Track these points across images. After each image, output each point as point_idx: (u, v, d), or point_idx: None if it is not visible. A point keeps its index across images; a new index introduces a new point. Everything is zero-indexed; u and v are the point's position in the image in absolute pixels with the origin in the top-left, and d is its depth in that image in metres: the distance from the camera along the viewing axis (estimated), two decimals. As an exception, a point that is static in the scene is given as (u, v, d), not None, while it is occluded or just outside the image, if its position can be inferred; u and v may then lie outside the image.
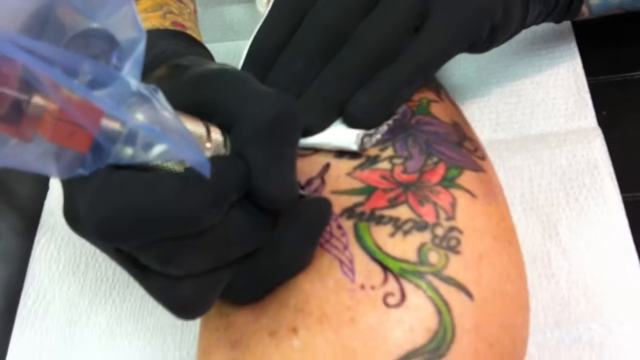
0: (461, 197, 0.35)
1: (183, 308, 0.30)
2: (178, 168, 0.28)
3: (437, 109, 0.40)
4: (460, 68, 0.55)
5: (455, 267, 0.33)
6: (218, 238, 0.29)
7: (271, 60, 0.38)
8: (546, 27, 0.53)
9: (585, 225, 0.46)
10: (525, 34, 0.54)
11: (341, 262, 0.33)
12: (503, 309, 0.33)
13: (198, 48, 0.45)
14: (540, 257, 0.46)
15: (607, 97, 0.52)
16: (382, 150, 0.37)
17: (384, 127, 0.38)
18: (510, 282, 0.35)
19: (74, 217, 0.30)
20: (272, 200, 0.30)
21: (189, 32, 0.46)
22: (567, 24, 0.55)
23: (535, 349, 0.43)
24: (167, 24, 0.46)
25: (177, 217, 0.26)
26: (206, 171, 0.26)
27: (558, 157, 0.49)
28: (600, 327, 0.43)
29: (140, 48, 0.25)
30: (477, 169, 0.38)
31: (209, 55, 0.45)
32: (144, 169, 0.27)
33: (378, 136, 0.37)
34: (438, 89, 0.42)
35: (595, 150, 0.49)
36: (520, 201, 0.48)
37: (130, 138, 0.25)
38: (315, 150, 0.37)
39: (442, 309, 0.32)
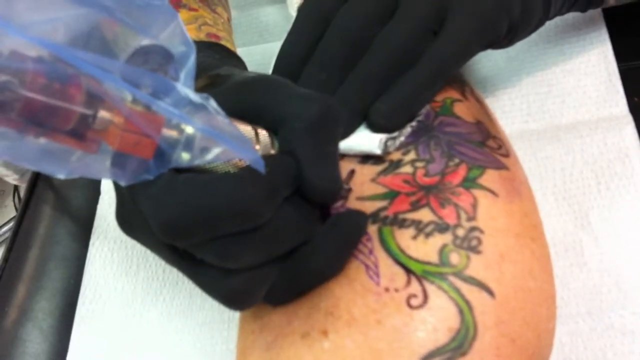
0: (482, 197, 0.36)
1: (234, 299, 0.32)
2: (231, 169, 0.30)
3: (460, 109, 0.41)
4: (491, 59, 0.56)
5: (476, 267, 0.34)
6: (272, 232, 0.31)
7: (297, 72, 0.40)
8: (576, 14, 0.53)
9: (617, 214, 0.47)
10: (555, 22, 0.54)
11: (367, 266, 0.35)
12: (526, 305, 0.35)
13: (232, 59, 0.47)
14: (572, 246, 0.46)
15: (638, 83, 0.52)
16: (405, 154, 0.38)
17: (407, 130, 0.39)
18: (533, 278, 0.36)
19: (126, 219, 0.32)
20: (321, 193, 0.33)
21: (223, 42, 0.48)
22: (597, 10, 0.55)
23: (568, 338, 0.44)
24: (202, 36, 0.48)
25: (236, 211, 0.29)
26: (261, 168, 0.28)
27: (589, 146, 0.50)
28: (632, 315, 0.43)
29: (192, 60, 0.28)
30: (500, 167, 0.39)
31: (242, 65, 0.47)
32: (202, 171, 0.30)
33: (402, 139, 0.39)
34: (463, 87, 0.43)
35: (626, 138, 0.49)
36: (552, 191, 0.49)
37: (188, 144, 0.28)
38: (341, 156, 0.39)
39: (464, 308, 0.33)
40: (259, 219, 0.30)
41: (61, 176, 0.26)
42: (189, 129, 0.27)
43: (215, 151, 0.28)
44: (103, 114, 0.25)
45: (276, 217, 0.31)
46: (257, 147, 0.32)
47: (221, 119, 0.28)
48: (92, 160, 0.26)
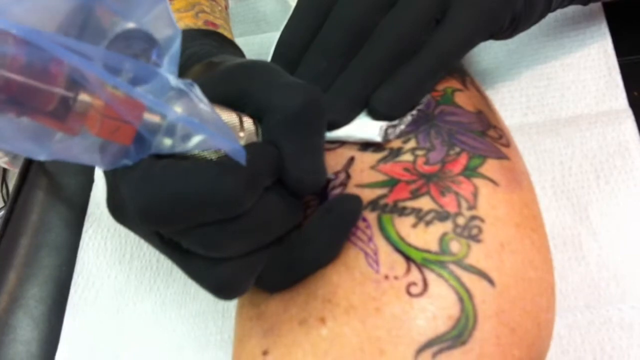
0: (483, 186, 0.36)
1: (223, 289, 0.32)
2: (213, 156, 0.29)
3: (461, 98, 0.41)
4: (491, 52, 0.55)
5: (477, 256, 0.34)
6: (255, 221, 0.30)
7: (297, 59, 0.40)
8: (576, 8, 0.53)
9: (616, 208, 0.47)
10: (555, 15, 0.54)
11: (366, 253, 0.34)
12: (526, 295, 0.34)
13: (229, 47, 0.46)
14: (571, 240, 0.46)
15: (638, 78, 0.51)
16: (405, 142, 0.38)
17: (407, 118, 0.39)
18: (533, 268, 0.35)
19: (117, 207, 0.32)
20: (303, 186, 0.32)
21: (221, 30, 0.48)
22: (597, 4, 0.55)
23: (566, 331, 0.43)
24: (199, 24, 0.47)
25: (215, 199, 0.28)
26: (242, 159, 0.28)
27: (589, 140, 0.49)
28: (630, 309, 0.43)
29: (176, 45, 0.27)
30: (501, 156, 0.38)
31: (240, 53, 0.47)
32: (183, 158, 0.29)
33: (402, 127, 0.38)
34: (463, 77, 0.43)
35: (626, 132, 0.49)
36: (551, 184, 0.49)
37: (170, 130, 0.27)
38: (341, 143, 0.39)
39: (464, 296, 0.33)
40: (239, 208, 0.29)
41: (42, 158, 0.26)
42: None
43: (196, 139, 0.28)
44: (83, 97, 0.24)
45: (258, 206, 0.30)
46: (242, 134, 0.31)
47: (204, 107, 0.28)
48: (74, 143, 0.26)
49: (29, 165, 0.63)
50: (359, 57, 0.38)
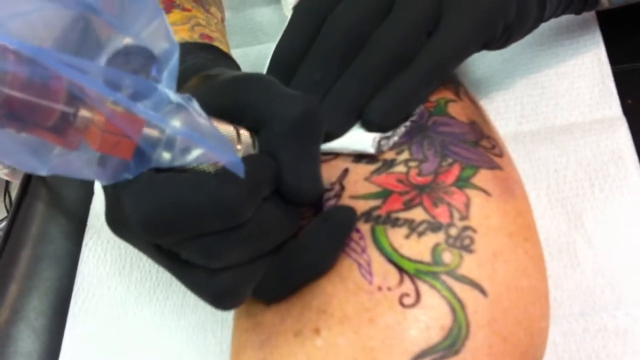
0: (476, 197, 0.36)
1: (222, 298, 0.32)
2: (211, 169, 0.30)
3: (454, 109, 0.41)
4: (485, 62, 0.56)
5: (469, 266, 0.34)
6: (253, 230, 0.31)
7: (293, 69, 0.40)
8: (570, 17, 0.53)
9: (611, 215, 0.47)
10: (549, 24, 0.54)
11: (359, 264, 0.35)
12: (518, 304, 0.35)
13: (225, 60, 0.47)
14: (566, 247, 0.46)
15: (632, 85, 0.52)
16: (398, 153, 0.38)
17: (401, 129, 0.39)
18: (526, 276, 0.36)
19: (116, 220, 0.32)
20: (300, 195, 0.33)
21: (216, 43, 0.48)
22: (590, 13, 0.55)
23: (561, 338, 0.44)
24: (195, 37, 0.48)
25: (216, 208, 0.29)
26: (240, 171, 0.28)
27: (583, 148, 0.50)
28: (625, 315, 0.43)
29: (174, 59, 0.28)
30: (494, 166, 0.39)
31: (235, 66, 0.47)
32: (182, 171, 0.30)
33: (395, 138, 0.39)
34: (457, 87, 0.43)
35: (620, 140, 0.49)
36: (545, 192, 0.49)
37: (169, 144, 0.28)
38: (335, 155, 0.39)
39: (456, 307, 0.33)
40: (241, 217, 0.30)
41: (42, 173, 0.26)
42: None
43: (196, 152, 0.28)
44: (84, 112, 0.25)
45: (257, 215, 0.31)
46: (239, 147, 0.32)
47: (202, 121, 0.28)
48: (73, 158, 0.26)
49: (29, 177, 0.64)
50: (355, 66, 0.39)
